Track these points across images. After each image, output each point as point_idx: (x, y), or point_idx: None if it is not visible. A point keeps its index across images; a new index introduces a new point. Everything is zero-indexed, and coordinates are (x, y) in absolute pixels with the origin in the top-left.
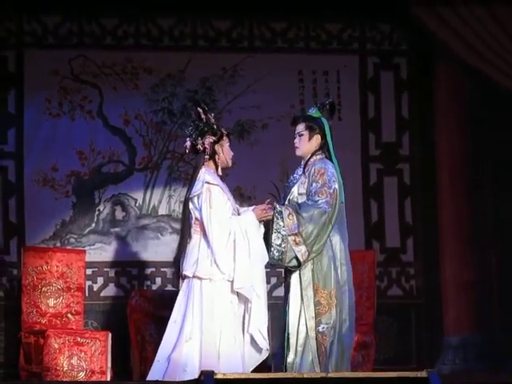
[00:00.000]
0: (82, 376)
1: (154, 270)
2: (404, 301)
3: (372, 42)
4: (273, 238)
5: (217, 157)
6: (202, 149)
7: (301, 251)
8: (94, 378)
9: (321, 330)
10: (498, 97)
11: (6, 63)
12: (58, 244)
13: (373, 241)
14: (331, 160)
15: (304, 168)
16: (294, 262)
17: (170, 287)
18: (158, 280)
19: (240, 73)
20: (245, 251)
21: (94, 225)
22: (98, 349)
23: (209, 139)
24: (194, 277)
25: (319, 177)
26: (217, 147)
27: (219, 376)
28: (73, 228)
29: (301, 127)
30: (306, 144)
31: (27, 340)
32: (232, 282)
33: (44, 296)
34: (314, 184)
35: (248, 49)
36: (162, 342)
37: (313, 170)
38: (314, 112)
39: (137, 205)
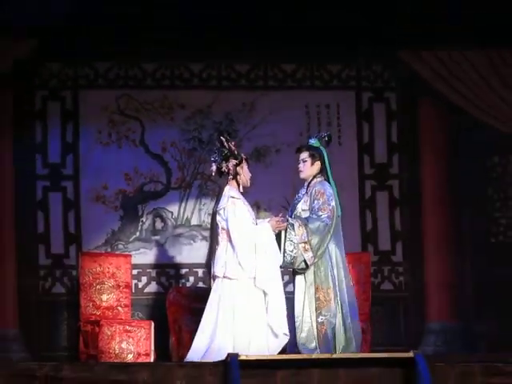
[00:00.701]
0: (130, 358)
1: (187, 270)
2: (394, 294)
3: (366, 80)
4: (286, 246)
5: (238, 177)
6: (226, 171)
7: (308, 256)
8: (140, 360)
9: (320, 321)
10: (473, 126)
11: (64, 102)
12: (109, 249)
13: (368, 244)
14: (329, 181)
15: (307, 189)
16: (303, 265)
17: (201, 284)
18: (191, 278)
19: (257, 107)
20: (263, 254)
21: (138, 233)
22: (143, 335)
23: (231, 162)
24: (224, 277)
25: (320, 196)
26: (238, 169)
27: (243, 357)
28: (120, 236)
29: (305, 155)
30: (308, 169)
31: (85, 328)
32: (254, 279)
33: (98, 292)
34: (315, 201)
35: (263, 87)
36: (198, 332)
37: (314, 191)
38: (314, 142)
39: (173, 217)
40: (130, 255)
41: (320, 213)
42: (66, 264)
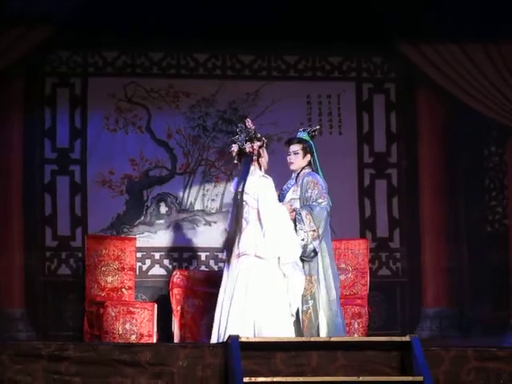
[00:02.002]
0: (133, 338)
1: (190, 253)
2: (391, 279)
3: (366, 72)
4: (298, 234)
5: (260, 159)
6: (250, 151)
7: (316, 244)
8: (143, 340)
9: (304, 309)
10: (468, 117)
11: (73, 88)
12: (114, 233)
13: (366, 231)
14: (317, 172)
15: (296, 179)
16: (313, 254)
17: (203, 267)
18: (194, 262)
19: (260, 96)
20: (289, 233)
21: (142, 217)
22: (147, 316)
23: (256, 143)
24: (255, 256)
25: (314, 185)
26: (261, 151)
27: (243, 339)
28: (126, 220)
29: (297, 147)
30: (300, 161)
31: (90, 309)
32: (279, 259)
33: (103, 274)
34: (310, 191)
35: (266, 77)
36: (217, 314)
37: (305, 181)
38: (304, 135)
39: (177, 202)
40: (135, 238)
41: (320, 200)
42: (72, 246)
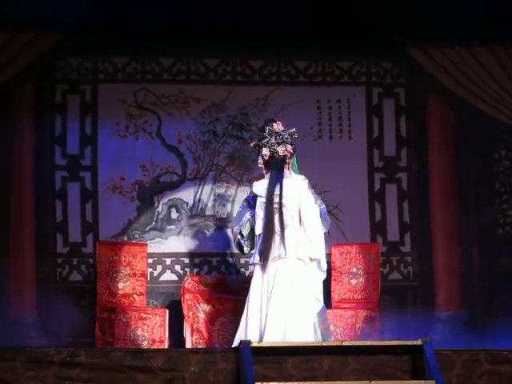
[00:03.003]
0: (145, 344)
1: (201, 259)
2: (403, 283)
3: (376, 76)
4: None
5: (290, 162)
6: (285, 154)
7: None
8: (154, 346)
9: None
10: (479, 121)
11: (84, 95)
12: (125, 238)
13: (377, 235)
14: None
15: None
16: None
17: (214, 273)
18: (205, 267)
19: (270, 102)
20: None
21: (153, 223)
22: (158, 322)
23: (289, 146)
24: (297, 259)
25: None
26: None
27: (255, 344)
28: (137, 226)
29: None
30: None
31: (101, 315)
32: (319, 262)
33: (114, 280)
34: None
35: (276, 83)
36: (249, 318)
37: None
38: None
39: (188, 207)
40: (146, 244)
41: (319, 202)
42: (83, 252)
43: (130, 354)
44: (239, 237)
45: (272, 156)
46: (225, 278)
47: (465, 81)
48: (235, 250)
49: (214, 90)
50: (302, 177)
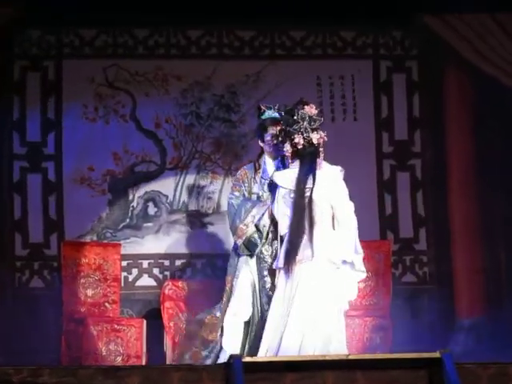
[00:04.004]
0: (119, 360)
1: (184, 261)
2: (418, 286)
3: (384, 48)
4: None
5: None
6: (320, 142)
7: None
8: (130, 362)
9: None
10: (504, 98)
11: (46, 72)
12: (95, 238)
13: (387, 232)
14: None
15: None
16: None
17: (199, 277)
18: (188, 270)
19: (262, 79)
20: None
21: (128, 220)
22: (134, 335)
23: (323, 134)
24: (329, 261)
25: None
26: None
27: (247, 359)
28: (108, 223)
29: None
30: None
31: (68, 327)
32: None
33: (83, 287)
34: None
35: (269, 56)
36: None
37: None
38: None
39: (168, 201)
40: (119, 244)
41: None
42: (46, 255)
43: (101, 372)
44: (253, 233)
45: (305, 144)
46: (211, 283)
47: (487, 51)
48: (222, 251)
49: (198, 66)
50: (339, 168)
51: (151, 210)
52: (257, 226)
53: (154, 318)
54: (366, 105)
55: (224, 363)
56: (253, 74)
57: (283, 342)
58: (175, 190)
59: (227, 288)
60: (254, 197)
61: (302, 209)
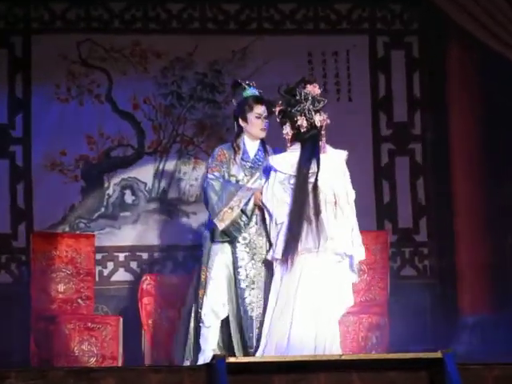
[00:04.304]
0: (92, 361)
1: (164, 254)
2: (418, 281)
3: (382, 22)
4: None
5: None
6: (322, 124)
7: None
8: (105, 364)
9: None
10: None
11: (13, 49)
12: (67, 229)
13: (385, 221)
14: None
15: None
16: None
17: (180, 271)
18: (169, 264)
19: (249, 55)
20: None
21: (103, 209)
22: (109, 334)
23: (325, 116)
24: (334, 253)
25: None
26: None
27: (231, 360)
28: (82, 213)
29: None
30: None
31: (37, 326)
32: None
33: (53, 281)
34: None
35: (257, 31)
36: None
37: None
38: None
39: (146, 188)
40: (94, 236)
41: None
42: (13, 247)
43: (73, 374)
44: (239, 218)
45: (308, 127)
46: (193, 278)
47: (495, 28)
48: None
49: (179, 42)
50: (346, 152)
51: (128, 198)
52: (243, 211)
53: (131, 315)
54: (361, 84)
55: (206, 364)
56: (239, 51)
57: (293, 336)
58: (154, 177)
59: (202, 280)
60: (233, 179)
61: (305, 195)
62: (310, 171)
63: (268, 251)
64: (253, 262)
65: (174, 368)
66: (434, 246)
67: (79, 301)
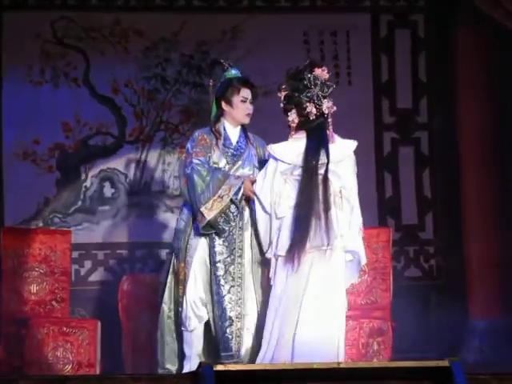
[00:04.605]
0: (68, 369)
1: (146, 251)
2: (423, 282)
3: None
4: None
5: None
6: (330, 112)
7: None
8: (81, 372)
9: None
10: None
11: None
12: (41, 224)
13: (387, 217)
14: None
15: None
16: None
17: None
18: (151, 263)
19: (240, 35)
20: None
21: (80, 203)
22: (86, 339)
23: (330, 102)
24: (345, 252)
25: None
26: None
27: (220, 368)
28: (57, 206)
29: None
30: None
31: (7, 330)
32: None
33: (26, 282)
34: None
35: (248, 9)
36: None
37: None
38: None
39: (127, 180)
40: (70, 232)
41: None
42: None
43: (46, 383)
44: (228, 208)
45: (317, 114)
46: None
47: (508, 2)
48: None
49: (163, 20)
50: (355, 143)
51: (107, 190)
52: (232, 201)
53: (109, 318)
54: (362, 66)
55: (192, 372)
56: (228, 30)
57: (300, 339)
58: (136, 168)
59: (181, 278)
60: (215, 167)
61: (313, 189)
62: (320, 162)
63: (264, 247)
64: (232, 257)
65: (157, 376)
66: (441, 245)
67: (53, 303)
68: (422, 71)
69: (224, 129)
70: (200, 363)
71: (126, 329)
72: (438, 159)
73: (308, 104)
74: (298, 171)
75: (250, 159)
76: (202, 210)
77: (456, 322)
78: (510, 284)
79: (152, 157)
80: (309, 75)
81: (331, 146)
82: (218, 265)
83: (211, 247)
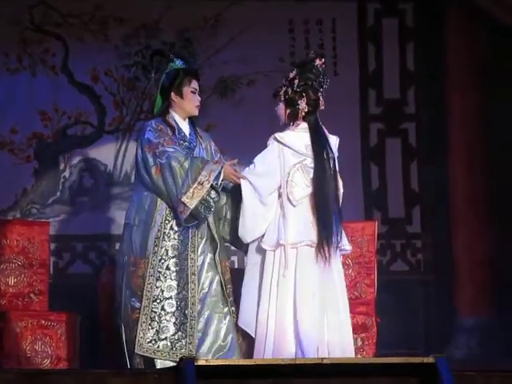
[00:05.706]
0: (46, 363)
1: None
2: (410, 277)
3: None
4: None
5: None
6: (322, 105)
7: None
8: (60, 366)
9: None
10: None
11: None
12: (18, 215)
13: (373, 210)
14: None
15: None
16: None
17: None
18: None
19: (222, 23)
20: None
21: (58, 194)
22: (65, 333)
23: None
24: (340, 249)
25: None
26: None
27: (201, 362)
28: (35, 197)
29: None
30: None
31: None
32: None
33: (2, 274)
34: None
35: None
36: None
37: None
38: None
39: (107, 171)
40: (48, 223)
41: None
42: None
43: (23, 377)
44: (209, 195)
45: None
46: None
47: None
48: None
49: (144, 6)
50: (337, 138)
51: (87, 181)
52: (213, 187)
53: (89, 312)
54: (349, 56)
55: (173, 367)
56: (211, 18)
57: (304, 334)
58: (116, 158)
59: (140, 273)
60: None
61: (328, 183)
62: (331, 155)
63: (247, 235)
64: (205, 246)
65: (137, 371)
66: (429, 239)
67: (31, 295)
68: (410, 61)
69: (175, 121)
70: (181, 358)
71: (105, 323)
72: (425, 151)
73: (319, 94)
74: (308, 161)
75: (201, 153)
76: (183, 199)
77: (443, 317)
78: (499, 280)
79: (132, 147)
80: (316, 65)
81: (329, 137)
82: (192, 255)
83: (181, 236)
